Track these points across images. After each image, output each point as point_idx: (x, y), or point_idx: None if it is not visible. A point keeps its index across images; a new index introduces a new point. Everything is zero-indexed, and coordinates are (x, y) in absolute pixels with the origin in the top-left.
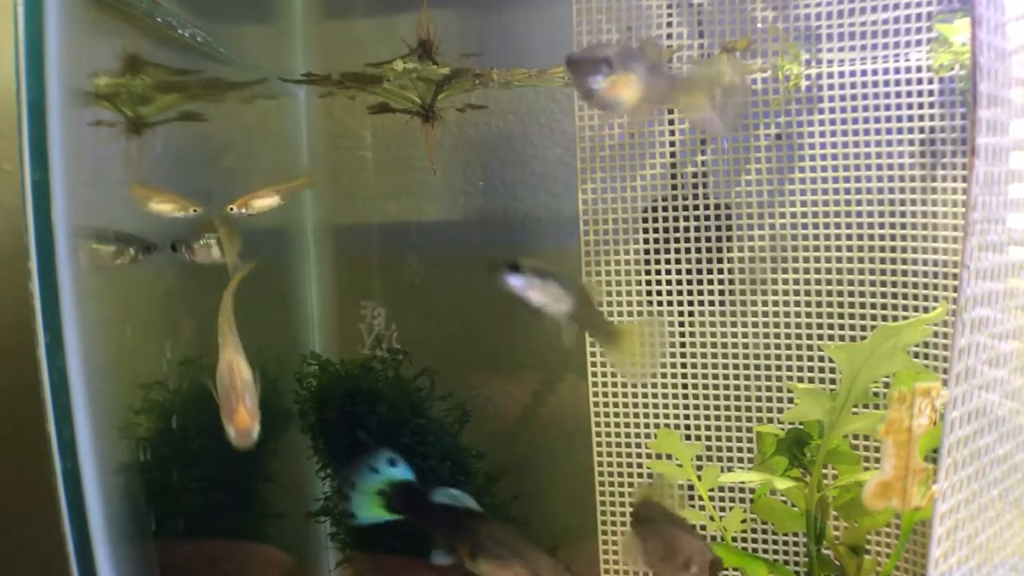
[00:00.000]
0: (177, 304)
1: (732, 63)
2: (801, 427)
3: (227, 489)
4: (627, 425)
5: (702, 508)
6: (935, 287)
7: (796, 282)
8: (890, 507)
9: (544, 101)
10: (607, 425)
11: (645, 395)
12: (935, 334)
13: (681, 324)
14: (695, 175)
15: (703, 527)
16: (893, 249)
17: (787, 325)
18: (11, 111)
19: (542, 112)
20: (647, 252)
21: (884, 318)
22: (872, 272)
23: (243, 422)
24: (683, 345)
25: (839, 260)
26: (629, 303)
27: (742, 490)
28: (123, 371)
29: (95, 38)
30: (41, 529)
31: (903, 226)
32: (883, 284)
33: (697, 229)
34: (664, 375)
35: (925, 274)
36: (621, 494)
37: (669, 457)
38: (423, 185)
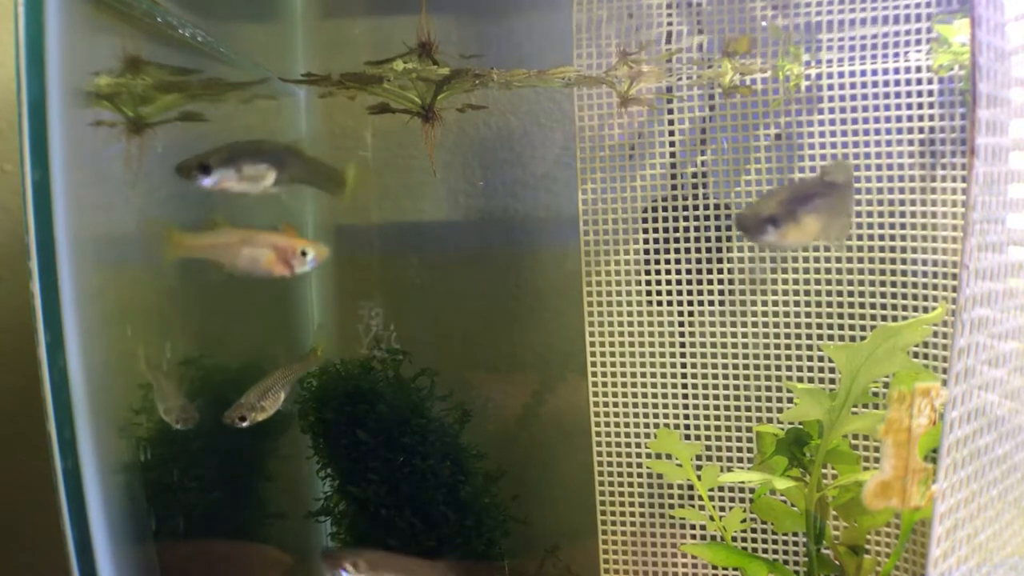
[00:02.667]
0: (177, 304)
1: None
2: (801, 427)
3: (227, 489)
4: (627, 425)
5: (702, 508)
6: (935, 287)
7: (796, 282)
8: (890, 507)
9: (544, 101)
10: (607, 425)
11: (645, 395)
12: (935, 334)
13: (681, 324)
14: (695, 175)
15: (703, 527)
16: (893, 249)
17: (787, 325)
18: (11, 111)
19: (542, 112)
20: (647, 252)
21: (884, 318)
22: (872, 272)
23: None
24: (683, 345)
25: (839, 260)
26: (629, 303)
27: (742, 490)
28: (123, 371)
29: (95, 38)
30: (41, 529)
31: (903, 226)
32: (883, 284)
33: (697, 229)
34: (664, 375)
35: (925, 274)
36: (621, 494)
37: (669, 457)
38: (423, 185)
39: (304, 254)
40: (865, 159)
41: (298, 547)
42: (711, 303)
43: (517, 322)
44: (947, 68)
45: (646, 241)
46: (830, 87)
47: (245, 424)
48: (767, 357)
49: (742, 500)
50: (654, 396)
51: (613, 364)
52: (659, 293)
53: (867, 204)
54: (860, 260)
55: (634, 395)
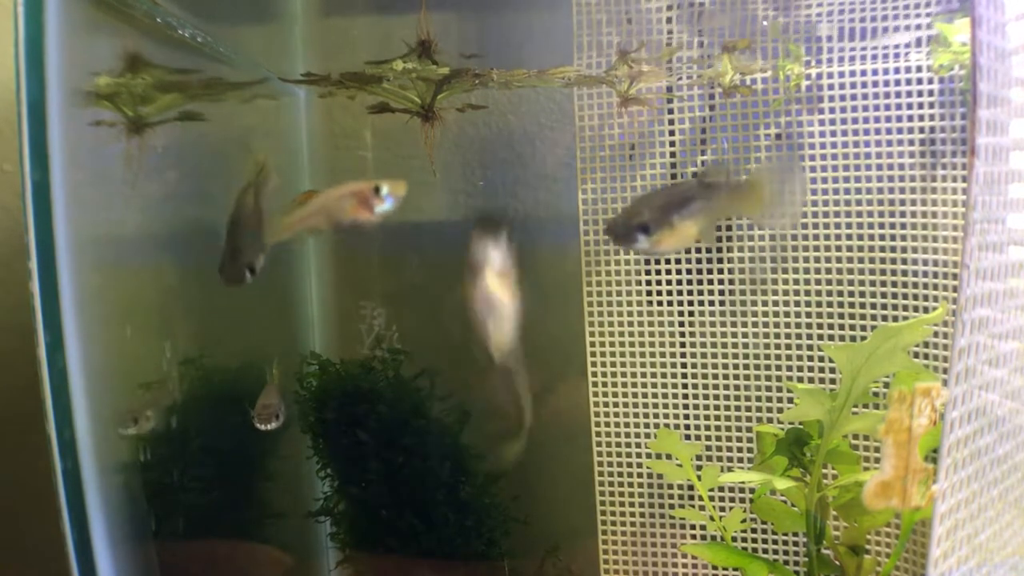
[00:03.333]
0: (177, 304)
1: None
2: (801, 427)
3: (227, 489)
4: (627, 425)
5: (702, 508)
6: (935, 287)
7: (796, 282)
8: (890, 507)
9: (544, 101)
10: (607, 425)
11: (645, 395)
12: (935, 334)
13: (681, 324)
14: (695, 175)
15: (703, 527)
16: (893, 249)
17: (787, 325)
18: (11, 111)
19: (542, 112)
20: None
21: (884, 318)
22: (872, 272)
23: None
24: (683, 345)
25: (839, 260)
26: (629, 303)
27: (742, 490)
28: (123, 371)
29: (95, 38)
30: (41, 529)
31: (903, 226)
32: (883, 284)
33: None
34: (664, 375)
35: (925, 274)
36: (621, 494)
37: (669, 457)
38: (423, 185)
39: (378, 191)
40: (865, 159)
41: (298, 547)
42: (711, 303)
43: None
44: (947, 68)
45: None
46: (830, 87)
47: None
48: (767, 357)
49: (742, 500)
50: (654, 396)
51: (613, 364)
52: (659, 293)
53: (867, 204)
54: (860, 260)
55: (634, 395)
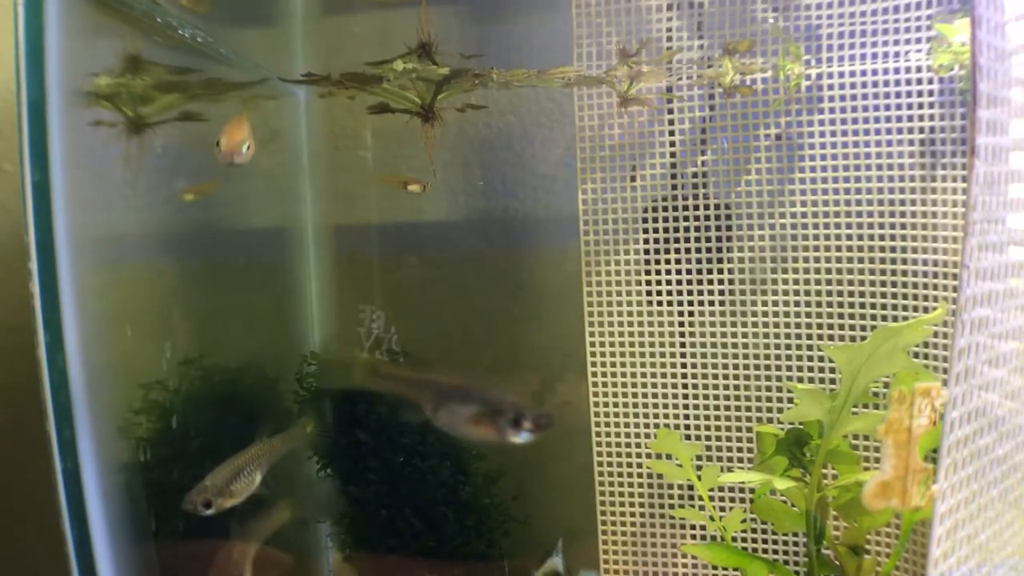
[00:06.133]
0: (177, 304)
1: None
2: (801, 427)
3: None
4: (627, 425)
5: (702, 508)
6: (935, 287)
7: (796, 282)
8: (890, 507)
9: (544, 101)
10: (607, 425)
11: (645, 395)
12: (935, 334)
13: (681, 324)
14: (695, 175)
15: (703, 527)
16: (893, 249)
17: (787, 325)
18: (11, 111)
19: (542, 112)
20: (647, 252)
21: (884, 318)
22: (872, 272)
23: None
24: (683, 345)
25: (839, 260)
26: (629, 303)
27: (742, 490)
28: (123, 371)
29: (95, 38)
30: (41, 529)
31: (903, 226)
32: (883, 284)
33: (697, 229)
34: (664, 375)
35: (925, 274)
36: (621, 494)
37: (669, 457)
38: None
39: (218, 144)
40: (865, 159)
41: (298, 547)
42: (711, 303)
43: (517, 322)
44: (947, 68)
45: (646, 241)
46: (830, 87)
47: (210, 511)
48: (767, 357)
49: (742, 500)
50: (654, 396)
51: (613, 364)
52: (659, 293)
53: (867, 204)
54: (860, 260)
55: (634, 395)
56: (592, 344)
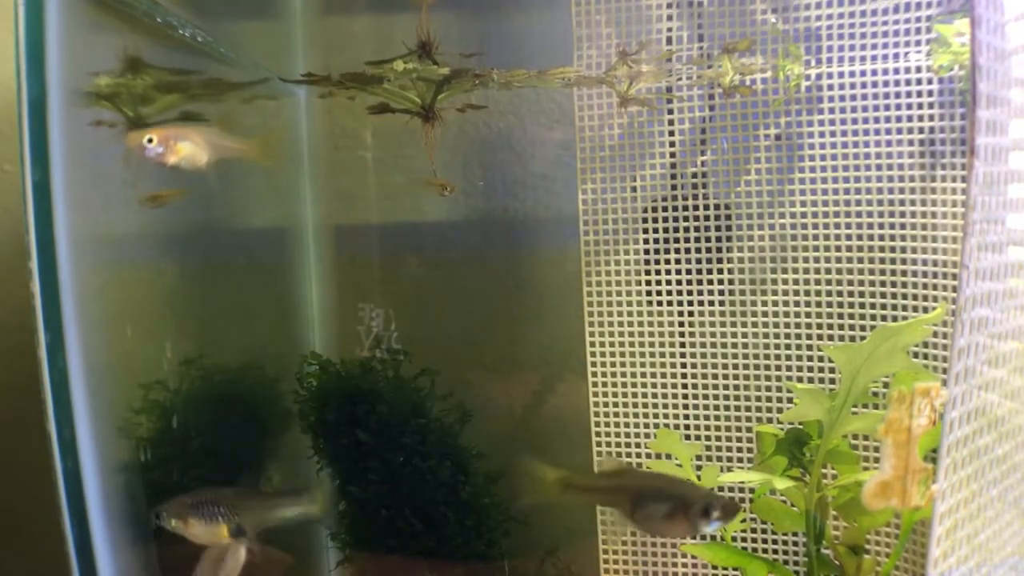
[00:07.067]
0: (177, 304)
1: None
2: (801, 427)
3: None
4: (627, 425)
5: None
6: (935, 287)
7: (796, 282)
8: (890, 507)
9: (544, 101)
10: (607, 425)
11: (645, 395)
12: (935, 334)
13: (681, 324)
14: (695, 175)
15: None
16: (893, 249)
17: (787, 325)
18: (11, 111)
19: (542, 112)
20: (647, 252)
21: (884, 318)
22: (872, 272)
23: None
24: (683, 345)
25: (839, 260)
26: (629, 303)
27: (742, 490)
28: (123, 371)
29: (95, 38)
30: (41, 529)
31: (903, 226)
32: (883, 284)
33: (697, 229)
34: (664, 375)
35: (925, 274)
36: None
37: (669, 457)
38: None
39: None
40: (865, 159)
41: (298, 547)
42: (711, 303)
43: (517, 322)
44: (947, 68)
45: (646, 241)
46: (830, 87)
47: (161, 524)
48: (767, 357)
49: (742, 500)
50: (654, 396)
51: (613, 364)
52: (659, 293)
53: (867, 204)
54: (860, 260)
55: (634, 395)
56: (592, 344)
